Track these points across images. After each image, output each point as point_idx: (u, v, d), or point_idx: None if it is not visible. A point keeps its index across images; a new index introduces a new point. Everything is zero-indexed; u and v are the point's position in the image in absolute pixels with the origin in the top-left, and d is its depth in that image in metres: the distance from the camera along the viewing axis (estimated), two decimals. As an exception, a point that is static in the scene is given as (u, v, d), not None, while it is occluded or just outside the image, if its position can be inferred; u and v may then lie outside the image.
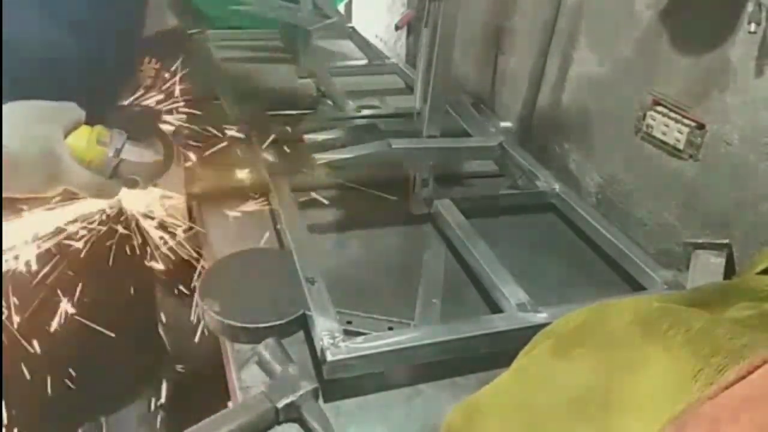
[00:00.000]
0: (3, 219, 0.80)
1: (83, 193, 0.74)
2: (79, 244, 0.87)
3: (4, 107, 0.67)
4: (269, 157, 1.08)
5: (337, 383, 0.70)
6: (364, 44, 1.70)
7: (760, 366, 0.44)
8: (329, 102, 1.41)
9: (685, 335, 0.51)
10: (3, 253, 0.81)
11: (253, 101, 1.32)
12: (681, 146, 0.92)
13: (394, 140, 0.94)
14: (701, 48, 0.88)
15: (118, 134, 0.74)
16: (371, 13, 1.97)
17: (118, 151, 0.73)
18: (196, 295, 0.80)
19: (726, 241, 0.85)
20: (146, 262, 0.96)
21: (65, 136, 0.70)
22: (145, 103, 0.88)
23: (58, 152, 0.69)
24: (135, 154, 0.74)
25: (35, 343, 0.96)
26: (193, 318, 0.85)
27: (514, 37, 1.33)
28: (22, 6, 0.72)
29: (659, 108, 0.96)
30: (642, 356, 0.52)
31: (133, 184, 0.76)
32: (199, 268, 0.92)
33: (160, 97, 0.91)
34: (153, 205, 0.90)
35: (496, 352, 0.69)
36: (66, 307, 0.95)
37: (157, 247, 0.93)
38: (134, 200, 0.89)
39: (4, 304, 0.90)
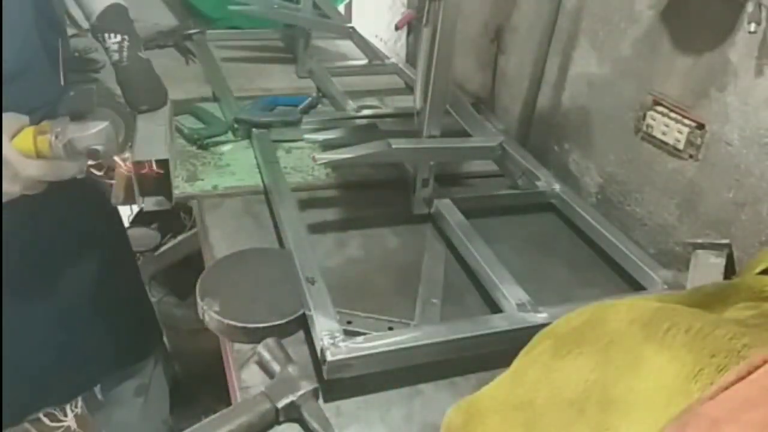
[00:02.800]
0: None
1: (50, 179, 0.82)
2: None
3: None
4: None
5: (337, 383, 0.70)
6: (364, 44, 1.70)
7: (760, 366, 0.44)
8: (329, 102, 1.41)
9: (685, 335, 0.51)
10: None
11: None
12: (681, 146, 0.92)
13: (394, 140, 0.94)
14: (701, 48, 0.88)
15: (58, 121, 0.82)
16: (371, 13, 1.97)
17: (58, 133, 0.80)
18: (196, 295, 0.81)
19: (726, 241, 0.85)
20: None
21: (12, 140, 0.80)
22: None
23: (6, 155, 0.78)
24: (78, 129, 0.81)
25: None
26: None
27: (514, 37, 1.33)
28: None
29: (659, 108, 0.96)
30: (642, 356, 0.52)
31: (94, 155, 0.83)
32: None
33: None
34: None
35: (496, 352, 0.69)
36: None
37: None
38: None
39: None
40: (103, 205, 1.14)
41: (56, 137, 0.80)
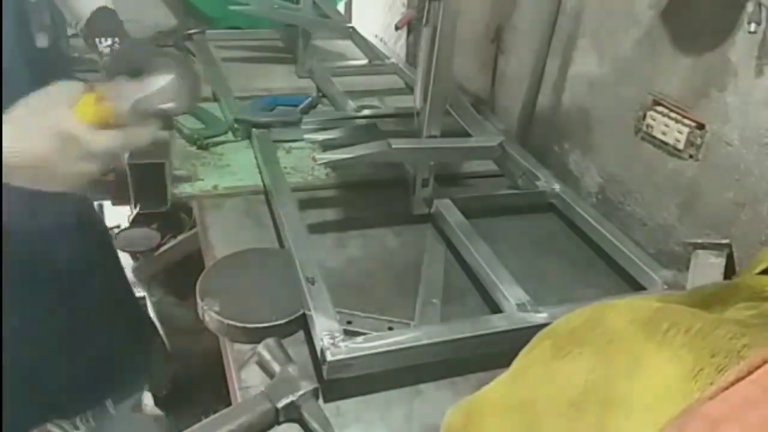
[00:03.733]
0: None
1: (123, 150, 0.74)
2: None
3: (7, 115, 0.65)
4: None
5: (337, 383, 0.70)
6: (364, 44, 1.70)
7: (760, 366, 0.44)
8: (329, 102, 1.41)
9: (685, 335, 0.51)
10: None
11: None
12: (681, 146, 0.92)
13: (394, 140, 0.94)
14: (701, 48, 0.88)
15: (114, 83, 0.71)
16: (371, 13, 1.97)
17: (120, 97, 0.69)
18: (196, 295, 0.80)
19: (726, 241, 0.85)
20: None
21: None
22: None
23: (73, 132, 0.66)
24: (141, 87, 0.71)
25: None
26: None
27: (514, 37, 1.33)
28: None
29: (659, 108, 0.96)
30: (642, 356, 0.52)
31: (168, 113, 0.73)
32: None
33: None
34: None
35: (496, 352, 0.69)
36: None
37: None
38: None
39: None
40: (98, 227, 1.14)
41: (120, 102, 0.69)
